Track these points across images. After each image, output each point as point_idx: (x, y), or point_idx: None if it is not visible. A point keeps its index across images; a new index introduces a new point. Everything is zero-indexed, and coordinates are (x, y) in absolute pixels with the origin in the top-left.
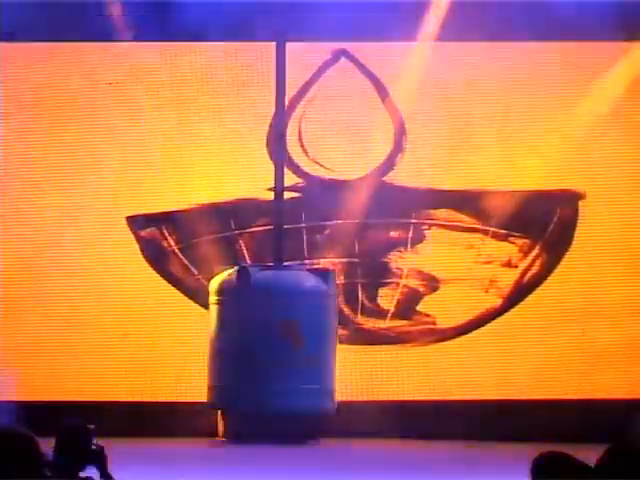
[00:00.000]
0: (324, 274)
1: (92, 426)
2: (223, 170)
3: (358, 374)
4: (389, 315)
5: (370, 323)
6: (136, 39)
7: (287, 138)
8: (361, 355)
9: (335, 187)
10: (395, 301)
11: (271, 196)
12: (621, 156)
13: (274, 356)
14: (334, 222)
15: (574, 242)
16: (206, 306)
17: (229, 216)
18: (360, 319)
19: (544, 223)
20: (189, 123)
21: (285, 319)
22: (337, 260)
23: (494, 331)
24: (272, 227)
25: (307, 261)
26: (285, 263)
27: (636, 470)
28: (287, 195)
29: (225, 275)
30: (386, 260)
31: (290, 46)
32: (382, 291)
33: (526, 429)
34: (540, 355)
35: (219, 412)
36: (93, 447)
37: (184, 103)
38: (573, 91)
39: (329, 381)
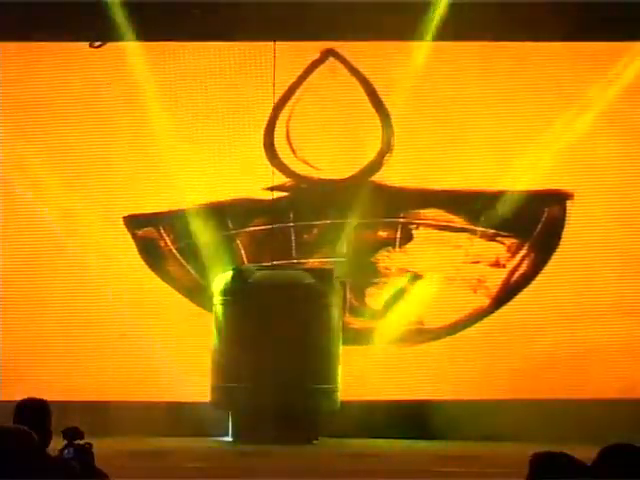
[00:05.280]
0: (323, 273)
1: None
2: (220, 170)
3: (345, 373)
4: (377, 315)
5: (358, 323)
6: (135, 39)
7: (275, 138)
8: (349, 354)
9: (323, 187)
10: (383, 301)
11: (268, 196)
12: (609, 156)
13: (275, 356)
14: (322, 222)
15: (562, 242)
16: (204, 305)
17: (226, 216)
18: (348, 318)
19: (532, 223)
20: (186, 123)
21: (277, 319)
22: (325, 259)
23: (482, 331)
24: (269, 227)
25: (295, 260)
26: (276, 262)
27: (631, 470)
28: (275, 195)
29: (227, 275)
30: (374, 260)
31: (282, 45)
32: (370, 291)
33: (514, 429)
34: (528, 355)
35: (222, 412)
36: (82, 444)
37: (182, 103)
38: (562, 92)
39: (331, 380)
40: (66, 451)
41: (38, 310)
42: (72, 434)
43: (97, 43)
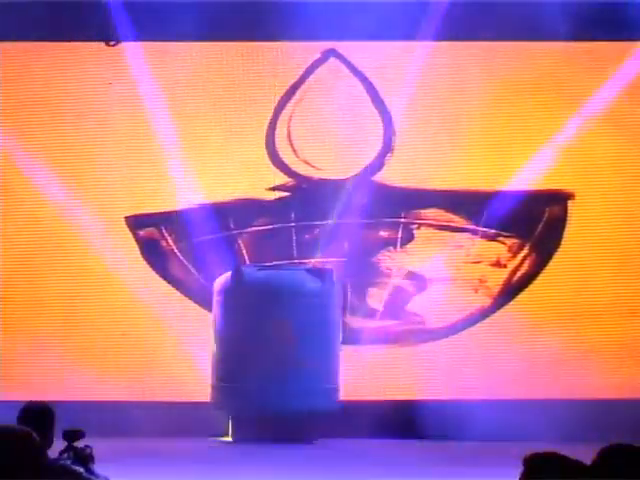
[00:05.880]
0: (324, 273)
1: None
2: (222, 170)
3: (345, 374)
4: (378, 315)
5: (359, 323)
6: (135, 39)
7: (276, 138)
8: (349, 354)
9: (324, 187)
10: (384, 301)
11: (270, 196)
12: (610, 155)
13: (275, 356)
14: (323, 222)
15: (563, 242)
16: (205, 305)
17: (228, 216)
18: (348, 318)
19: (533, 223)
20: (188, 123)
21: (277, 319)
22: (326, 260)
23: (483, 331)
24: (271, 227)
25: (296, 260)
26: (277, 262)
27: (631, 470)
28: (277, 195)
29: (227, 275)
30: (375, 260)
31: (281, 45)
32: (371, 291)
33: (514, 429)
34: (529, 355)
35: (222, 412)
36: (83, 447)
37: (183, 103)
38: (562, 91)
39: (331, 380)
40: (66, 455)
41: (38, 310)
42: (71, 435)
43: (112, 42)
